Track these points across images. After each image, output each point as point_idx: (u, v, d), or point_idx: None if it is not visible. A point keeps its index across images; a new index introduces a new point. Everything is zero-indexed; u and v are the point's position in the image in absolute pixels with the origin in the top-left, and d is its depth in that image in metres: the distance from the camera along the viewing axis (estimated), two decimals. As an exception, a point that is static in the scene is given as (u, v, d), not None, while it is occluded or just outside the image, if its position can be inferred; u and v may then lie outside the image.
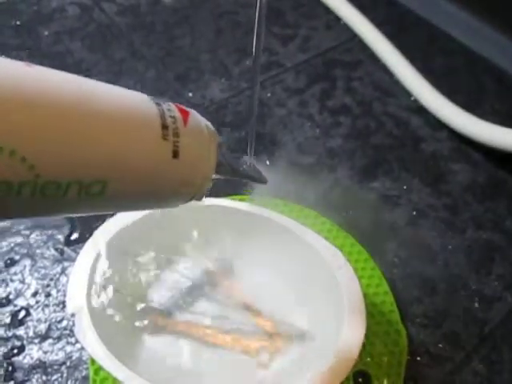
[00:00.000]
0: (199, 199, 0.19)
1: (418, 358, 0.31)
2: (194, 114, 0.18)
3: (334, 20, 0.53)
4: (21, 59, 0.13)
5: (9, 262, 0.33)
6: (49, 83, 0.13)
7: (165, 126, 0.16)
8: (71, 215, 0.17)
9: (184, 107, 0.17)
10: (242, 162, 0.22)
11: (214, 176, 0.19)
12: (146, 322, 0.29)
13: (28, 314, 0.31)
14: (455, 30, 0.52)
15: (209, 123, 0.18)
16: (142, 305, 0.29)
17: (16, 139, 0.12)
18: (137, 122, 0.15)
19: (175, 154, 0.16)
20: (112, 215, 0.29)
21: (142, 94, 0.16)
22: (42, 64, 0.13)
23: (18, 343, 0.30)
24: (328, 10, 0.54)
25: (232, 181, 0.38)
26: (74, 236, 0.35)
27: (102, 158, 0.14)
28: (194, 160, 0.17)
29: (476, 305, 0.33)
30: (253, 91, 0.24)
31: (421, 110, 0.45)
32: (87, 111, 0.14)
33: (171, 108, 0.17)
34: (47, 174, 0.13)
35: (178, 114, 0.16)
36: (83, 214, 0.16)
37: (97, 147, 0.14)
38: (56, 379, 0.29)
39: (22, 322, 0.30)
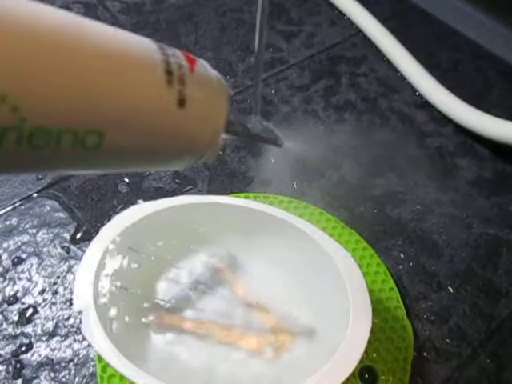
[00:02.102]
0: (208, 159, 0.17)
1: (425, 354, 0.30)
2: (203, 63, 0.16)
3: (338, 16, 0.53)
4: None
5: (16, 260, 0.33)
6: (33, 12, 0.12)
7: (169, 72, 0.14)
8: (65, 172, 0.15)
9: (191, 54, 0.16)
10: (255, 123, 0.21)
11: (224, 136, 0.17)
12: (152, 319, 0.29)
13: (35, 311, 0.31)
14: (460, 24, 0.52)
15: (219, 75, 0.17)
16: (149, 302, 0.30)
17: None
18: (137, 64, 0.14)
19: (181, 103, 0.14)
20: (117, 213, 0.29)
21: (143, 37, 0.15)
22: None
23: (25, 341, 0.30)
24: (332, 6, 0.54)
25: (235, 179, 0.38)
26: (80, 234, 0.35)
27: (97, 103, 0.13)
28: (201, 111, 0.15)
29: (482, 300, 0.33)
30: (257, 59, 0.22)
31: (426, 106, 0.45)
32: (79, 47, 0.12)
33: (177, 54, 0.15)
34: (35, 119, 0.11)
35: (184, 60, 0.15)
36: (79, 172, 0.14)
37: (90, 89, 0.12)
38: (64, 376, 0.29)
39: (29, 320, 0.31)
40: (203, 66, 0.16)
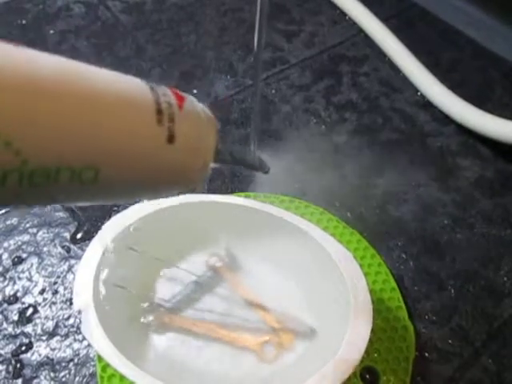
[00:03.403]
0: (199, 188, 0.18)
1: (426, 354, 0.30)
2: (191, 99, 0.17)
3: (339, 15, 0.53)
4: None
5: (16, 259, 0.33)
6: (34, 63, 0.12)
7: (159, 111, 0.15)
8: (64, 204, 0.16)
9: (180, 92, 0.17)
10: (242, 150, 0.22)
11: (213, 164, 0.18)
12: (151, 318, 0.29)
13: (36, 311, 0.31)
14: (462, 23, 0.52)
15: (206, 109, 0.18)
16: (148, 302, 0.29)
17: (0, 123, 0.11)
18: (130, 106, 0.15)
19: (170, 139, 0.15)
20: (117, 212, 0.29)
21: (136, 78, 0.16)
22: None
23: (26, 340, 0.30)
24: (333, 6, 0.54)
25: (236, 179, 0.38)
26: (80, 234, 0.35)
27: (93, 143, 0.13)
28: (190, 146, 0.16)
29: (485, 300, 0.33)
30: (255, 81, 0.24)
31: (428, 105, 0.44)
32: (76, 93, 0.13)
33: (166, 93, 0.16)
34: (35, 160, 0.12)
35: (173, 99, 0.16)
36: (77, 204, 0.16)
37: (86, 130, 0.13)
38: (64, 376, 0.29)
39: (29, 320, 0.31)
40: (191, 102, 0.17)
